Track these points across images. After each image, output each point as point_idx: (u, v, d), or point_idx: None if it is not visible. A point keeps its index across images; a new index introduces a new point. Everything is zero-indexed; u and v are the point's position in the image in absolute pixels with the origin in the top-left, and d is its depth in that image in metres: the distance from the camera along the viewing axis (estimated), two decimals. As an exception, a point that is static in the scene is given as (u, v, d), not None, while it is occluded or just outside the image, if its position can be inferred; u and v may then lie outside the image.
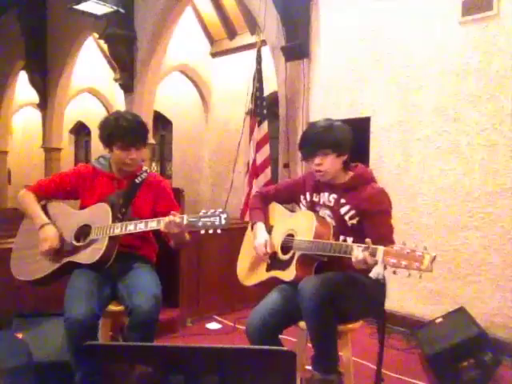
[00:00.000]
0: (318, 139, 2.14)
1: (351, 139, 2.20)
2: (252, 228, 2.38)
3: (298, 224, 2.22)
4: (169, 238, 2.32)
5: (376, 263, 1.81)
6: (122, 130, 2.33)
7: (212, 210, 2.12)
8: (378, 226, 2.08)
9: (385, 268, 1.79)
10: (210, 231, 2.11)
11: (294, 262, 2.12)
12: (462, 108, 3.52)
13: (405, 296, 3.80)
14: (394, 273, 1.77)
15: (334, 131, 2.16)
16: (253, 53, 5.41)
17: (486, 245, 3.40)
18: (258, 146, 4.95)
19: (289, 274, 2.13)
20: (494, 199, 3.37)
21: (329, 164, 2.13)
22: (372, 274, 1.83)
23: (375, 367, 2.01)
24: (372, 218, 2.10)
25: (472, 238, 3.47)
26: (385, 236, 2.02)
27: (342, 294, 2.04)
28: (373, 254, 1.84)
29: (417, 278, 1.73)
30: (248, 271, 2.38)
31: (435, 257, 1.72)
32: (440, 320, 3.28)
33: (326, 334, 2.02)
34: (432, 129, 3.68)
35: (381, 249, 1.81)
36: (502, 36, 3.31)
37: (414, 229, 3.79)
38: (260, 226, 2.33)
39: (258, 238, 2.29)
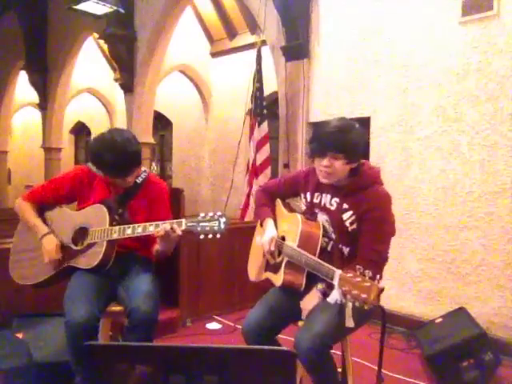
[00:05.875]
0: (332, 140, 1.97)
1: (364, 146, 2.08)
2: (261, 225, 2.32)
3: (288, 227, 2.17)
4: (158, 241, 2.25)
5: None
6: (110, 167, 2.26)
7: (211, 214, 2.08)
8: (369, 234, 1.98)
9: (344, 294, 1.70)
10: (210, 236, 2.07)
11: (282, 267, 2.07)
12: (461, 108, 3.52)
13: (405, 296, 3.80)
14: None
15: (350, 135, 1.98)
16: (253, 53, 5.41)
17: (486, 245, 3.40)
18: (258, 146, 4.95)
19: (278, 279, 2.10)
20: (494, 199, 3.37)
21: (337, 168, 1.98)
22: (330, 299, 1.77)
23: (375, 367, 2.01)
24: (366, 223, 2.00)
25: (472, 238, 3.47)
26: (372, 247, 1.96)
27: (337, 333, 2.00)
28: (330, 278, 1.79)
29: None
30: (255, 268, 2.36)
31: (382, 289, 1.63)
32: (440, 320, 3.29)
33: (326, 375, 1.98)
34: (432, 129, 3.68)
35: (337, 273, 1.75)
36: (502, 36, 3.31)
37: (413, 229, 3.79)
38: (269, 223, 2.25)
39: (265, 235, 2.20)
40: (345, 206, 2.05)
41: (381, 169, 2.17)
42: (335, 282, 1.76)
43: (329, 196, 2.10)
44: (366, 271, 1.66)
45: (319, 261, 1.92)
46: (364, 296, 1.62)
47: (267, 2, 4.65)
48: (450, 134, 3.59)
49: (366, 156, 4.00)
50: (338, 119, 2.06)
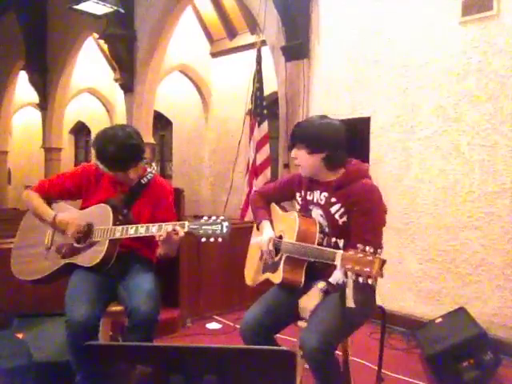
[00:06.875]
0: (294, 132, 2.17)
1: (336, 138, 2.10)
2: (258, 228, 2.34)
3: (286, 225, 2.20)
4: (160, 244, 2.25)
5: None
6: (110, 160, 2.28)
7: (214, 217, 2.09)
8: (360, 225, 2.02)
9: (345, 274, 1.75)
10: (211, 239, 2.08)
11: (281, 264, 2.09)
12: (461, 108, 3.52)
13: (405, 296, 3.80)
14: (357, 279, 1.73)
15: (309, 127, 2.11)
16: (253, 53, 5.42)
17: (486, 245, 3.40)
18: (258, 146, 4.96)
19: (277, 277, 2.11)
20: (493, 199, 3.37)
21: (301, 159, 2.12)
22: (332, 280, 1.81)
23: (375, 367, 2.01)
24: (355, 215, 2.04)
25: (472, 238, 3.47)
26: (364, 237, 1.97)
27: (342, 332, 2.01)
28: (332, 259, 1.82)
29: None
30: (252, 272, 2.37)
31: (384, 261, 1.69)
32: (440, 320, 3.28)
33: (331, 374, 1.98)
34: (432, 129, 3.68)
35: (339, 253, 1.79)
36: (502, 36, 3.31)
37: (413, 229, 3.79)
38: (266, 224, 2.28)
39: (263, 236, 2.23)
40: (333, 199, 2.11)
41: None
42: (337, 262, 1.79)
43: (318, 192, 2.18)
44: (367, 247, 1.72)
45: (319, 247, 1.97)
46: (367, 270, 1.67)
47: (267, 1, 4.65)
48: (450, 133, 3.58)
49: (366, 156, 4.00)
50: (313, 116, 2.23)
